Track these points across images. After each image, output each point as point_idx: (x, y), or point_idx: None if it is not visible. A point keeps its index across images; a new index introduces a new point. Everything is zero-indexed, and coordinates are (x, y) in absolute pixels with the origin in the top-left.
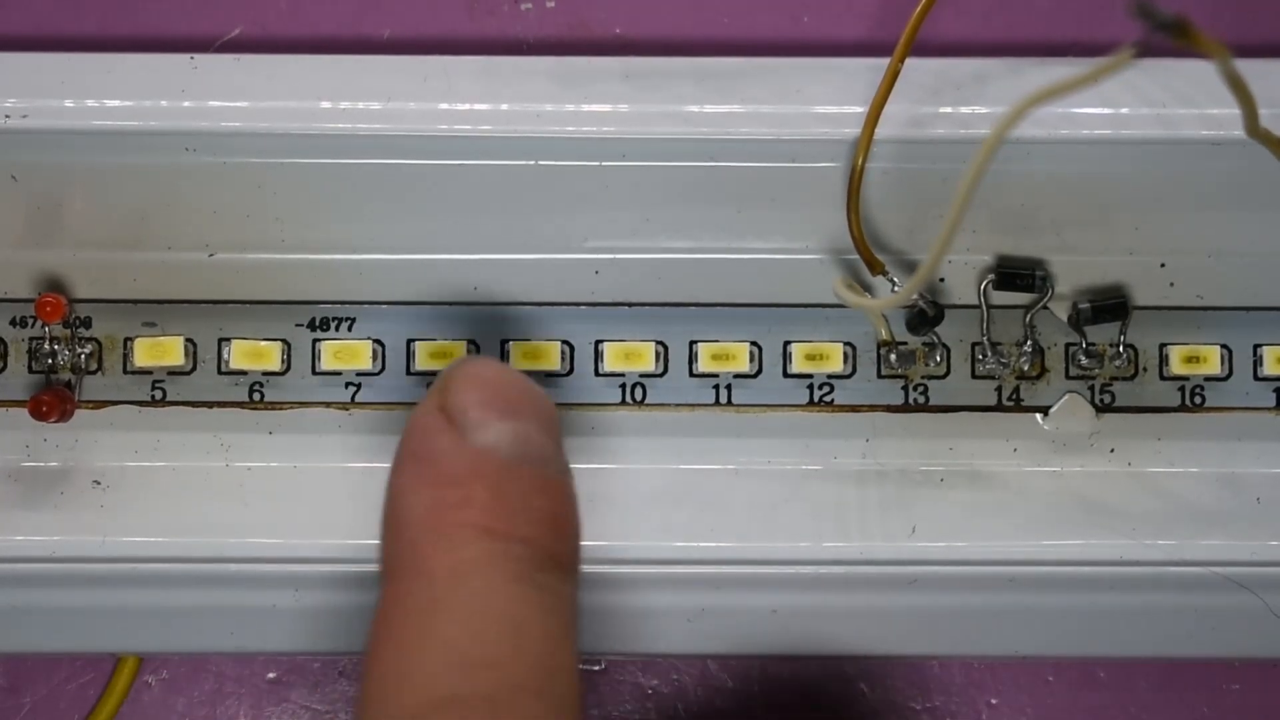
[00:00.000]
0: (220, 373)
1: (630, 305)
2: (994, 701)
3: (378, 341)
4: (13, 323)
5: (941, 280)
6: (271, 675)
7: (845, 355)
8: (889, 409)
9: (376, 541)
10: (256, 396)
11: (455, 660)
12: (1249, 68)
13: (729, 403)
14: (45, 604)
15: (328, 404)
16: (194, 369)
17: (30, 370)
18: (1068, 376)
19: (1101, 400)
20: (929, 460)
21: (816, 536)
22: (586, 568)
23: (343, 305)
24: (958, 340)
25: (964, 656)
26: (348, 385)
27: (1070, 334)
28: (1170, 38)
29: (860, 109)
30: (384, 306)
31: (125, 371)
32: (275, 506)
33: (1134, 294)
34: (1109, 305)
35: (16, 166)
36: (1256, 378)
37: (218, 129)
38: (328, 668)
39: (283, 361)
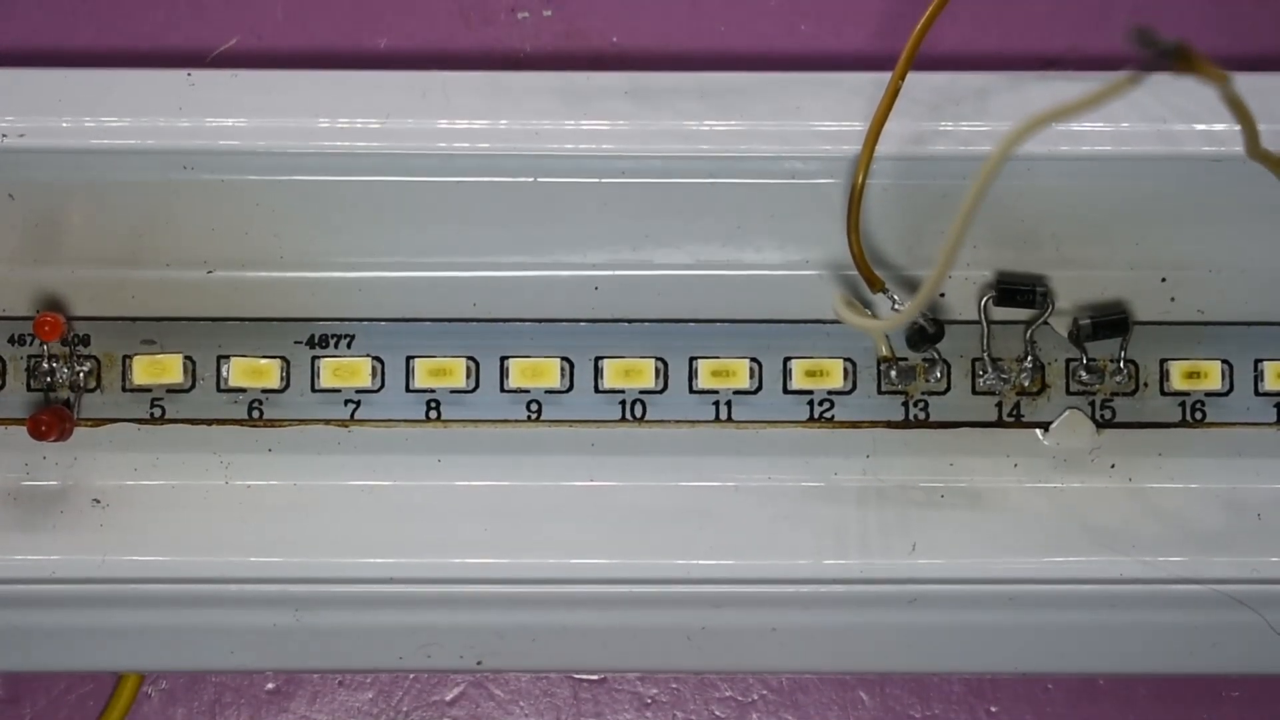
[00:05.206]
0: (219, 390)
1: (630, 321)
2: (993, 709)
3: (377, 358)
4: (11, 340)
5: (942, 295)
6: (270, 686)
7: (845, 371)
8: (889, 425)
9: (378, 559)
10: (256, 414)
11: None
12: (1248, 83)
13: (729, 419)
14: (45, 624)
15: (327, 421)
16: (193, 386)
17: (29, 388)
18: (1068, 392)
19: (1102, 416)
20: (929, 476)
21: (816, 554)
22: (588, 586)
23: (342, 322)
24: (958, 356)
25: (964, 673)
26: (347, 402)
27: (1071, 349)
28: (1171, 64)
29: (860, 125)
30: (383, 323)
31: (124, 389)
32: (275, 525)
33: (1135, 309)
34: (1110, 321)
35: (14, 185)
36: (1257, 393)
37: (215, 147)
38: (327, 678)
39: (282, 379)
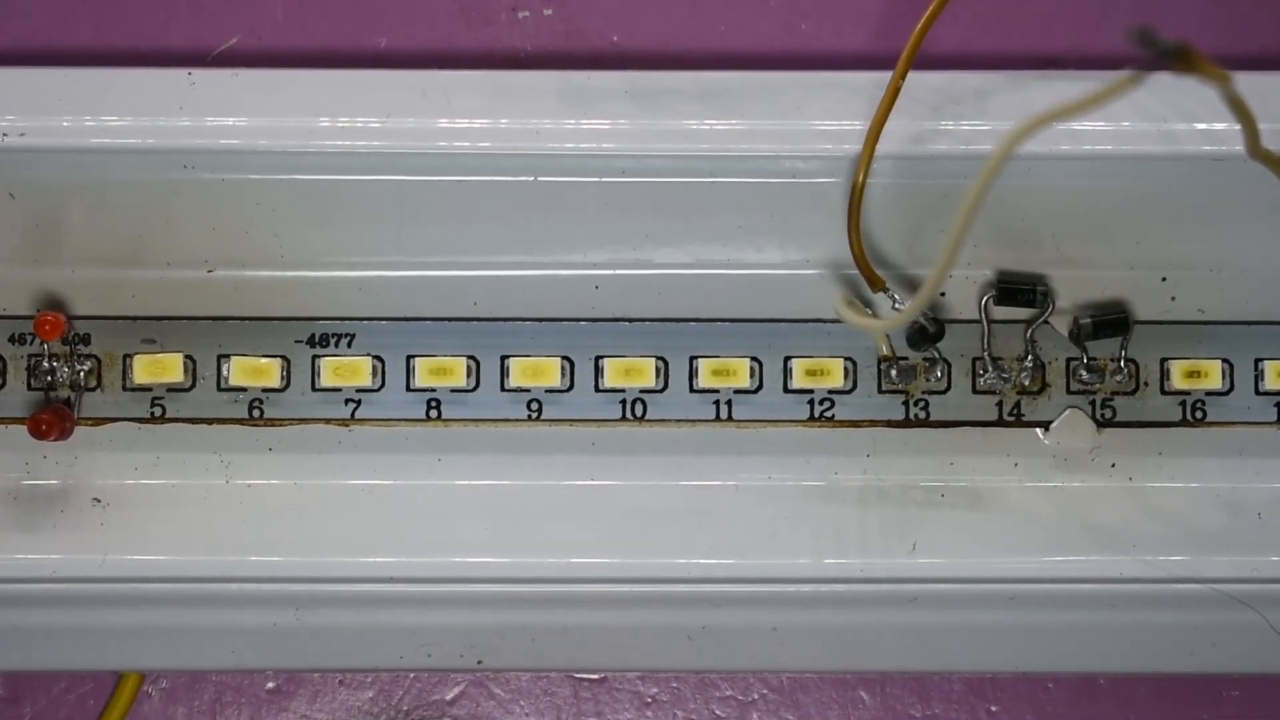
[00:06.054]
0: (220, 389)
1: (630, 320)
2: (994, 709)
3: (377, 358)
4: (11, 340)
5: (943, 295)
6: (271, 685)
7: (846, 370)
8: (890, 424)
9: (379, 559)
10: (256, 413)
11: None
12: (1249, 83)
13: (729, 418)
14: (46, 624)
15: (327, 421)
16: (193, 386)
17: (29, 388)
18: (1069, 391)
19: (1102, 415)
20: (930, 476)
21: (817, 554)
22: (588, 586)
23: (342, 321)
24: (958, 355)
25: (964, 673)
26: (347, 402)
27: (1071, 349)
28: (1171, 64)
29: (860, 125)
30: (384, 322)
31: (125, 388)
32: (275, 524)
33: (1135, 308)
34: (1110, 320)
35: (14, 184)
36: (1258, 392)
37: (215, 146)
38: (327, 678)
39: (282, 378)
